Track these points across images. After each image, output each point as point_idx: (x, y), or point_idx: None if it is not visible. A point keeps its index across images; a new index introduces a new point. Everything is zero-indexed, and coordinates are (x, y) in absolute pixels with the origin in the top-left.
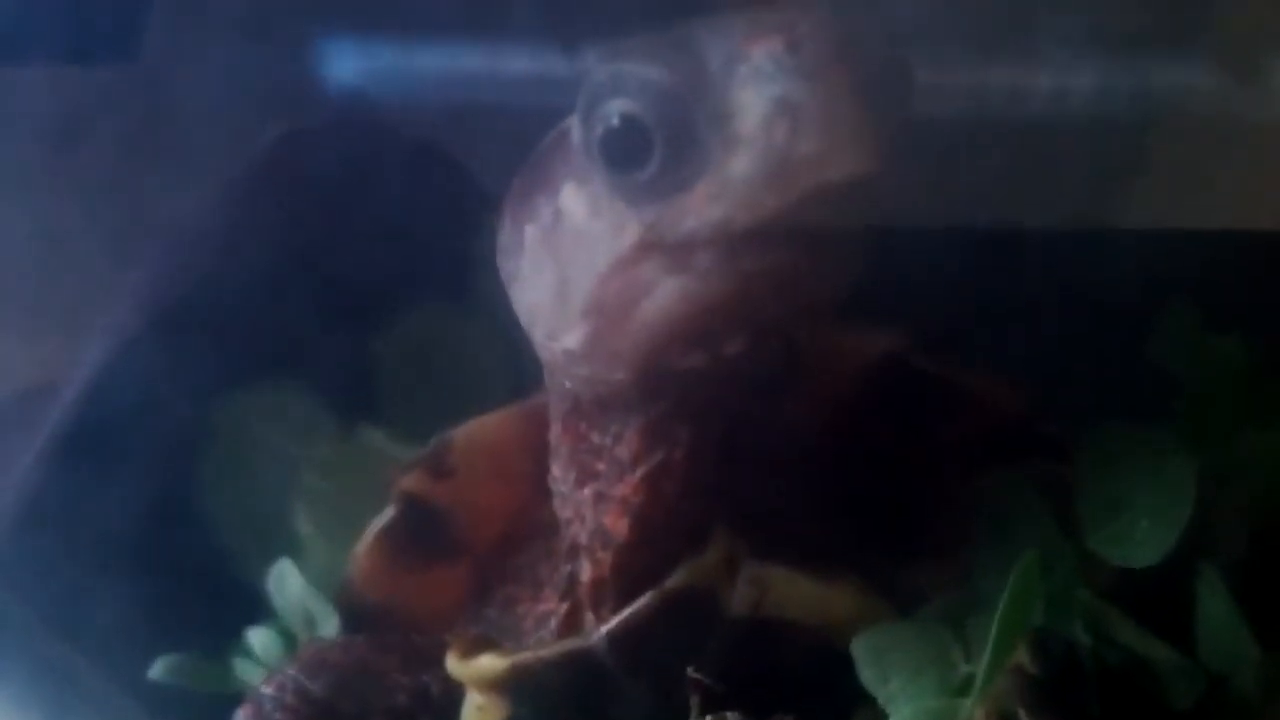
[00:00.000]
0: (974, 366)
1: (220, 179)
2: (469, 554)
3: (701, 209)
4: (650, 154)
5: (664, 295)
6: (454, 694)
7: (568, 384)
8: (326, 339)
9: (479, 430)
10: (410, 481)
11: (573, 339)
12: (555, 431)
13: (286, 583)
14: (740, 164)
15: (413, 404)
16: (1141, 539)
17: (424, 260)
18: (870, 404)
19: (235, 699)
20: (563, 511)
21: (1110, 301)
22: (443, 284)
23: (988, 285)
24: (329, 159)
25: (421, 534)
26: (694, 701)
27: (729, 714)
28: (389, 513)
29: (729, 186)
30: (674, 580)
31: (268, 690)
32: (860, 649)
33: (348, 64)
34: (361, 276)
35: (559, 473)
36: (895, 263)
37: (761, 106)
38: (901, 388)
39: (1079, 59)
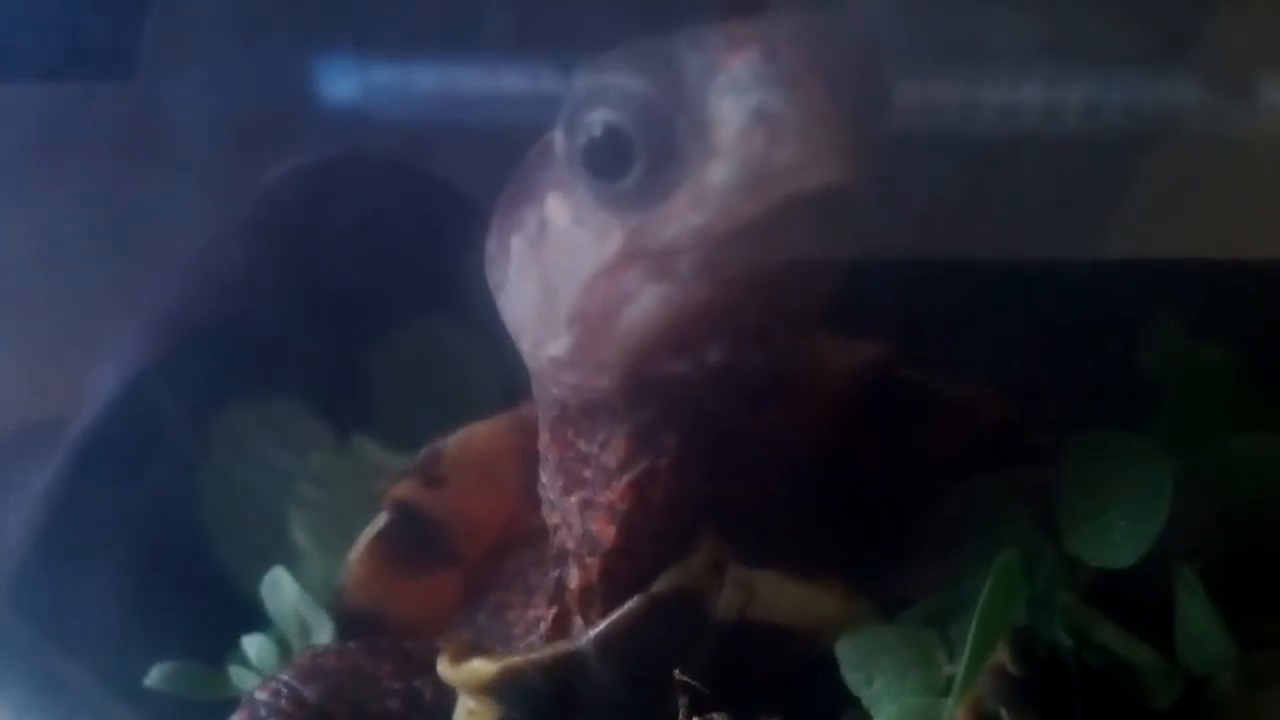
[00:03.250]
0: (957, 374)
1: (224, 211)
2: (460, 561)
3: (682, 216)
4: (632, 163)
5: (646, 302)
6: (446, 699)
7: (555, 392)
8: (329, 364)
9: (469, 439)
10: (402, 490)
11: (558, 346)
12: (544, 439)
13: (281, 591)
14: (718, 172)
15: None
16: (1120, 541)
17: (425, 296)
18: (855, 412)
19: (232, 706)
20: (551, 518)
21: (1092, 308)
22: (442, 316)
23: (966, 296)
24: (332, 194)
25: (413, 541)
26: (681, 704)
27: (716, 716)
28: (381, 521)
29: (708, 194)
30: (661, 584)
31: (262, 696)
32: (844, 650)
33: (342, 82)
34: (366, 310)
35: (547, 480)
36: (876, 273)
37: (739, 116)
38: (886, 396)
39: (1065, 72)
